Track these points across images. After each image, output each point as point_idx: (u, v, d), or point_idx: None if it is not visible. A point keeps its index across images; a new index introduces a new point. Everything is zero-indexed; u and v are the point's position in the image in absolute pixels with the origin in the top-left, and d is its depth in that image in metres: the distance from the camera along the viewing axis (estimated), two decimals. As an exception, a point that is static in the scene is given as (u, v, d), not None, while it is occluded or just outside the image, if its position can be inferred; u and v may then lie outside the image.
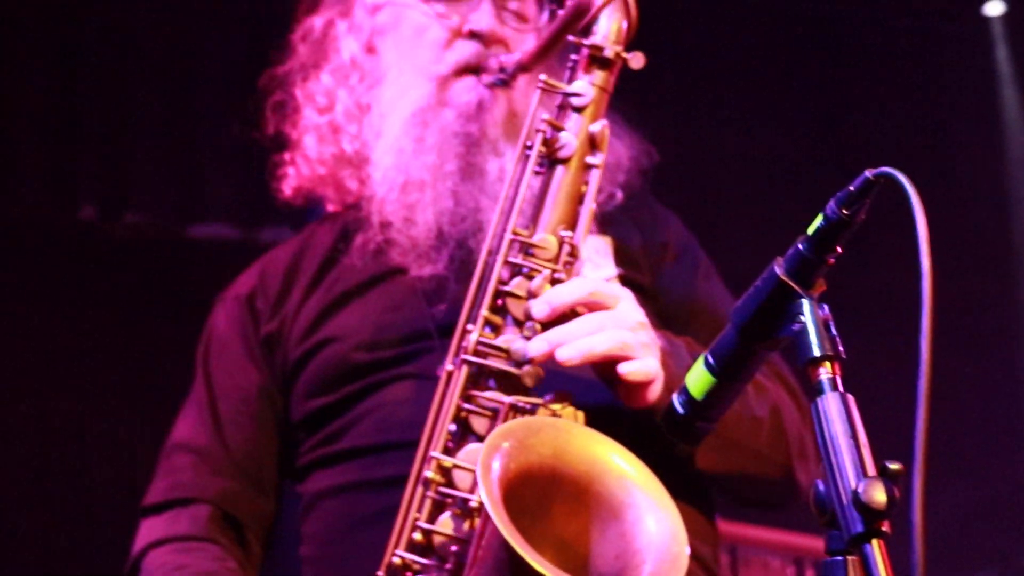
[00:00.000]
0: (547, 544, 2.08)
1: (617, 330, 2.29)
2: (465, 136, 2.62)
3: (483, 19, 2.65)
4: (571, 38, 2.49)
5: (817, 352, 1.73)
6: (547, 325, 2.34)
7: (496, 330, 2.37)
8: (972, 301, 5.27)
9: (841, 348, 1.74)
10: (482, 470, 2.03)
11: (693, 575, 2.32)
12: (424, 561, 2.30)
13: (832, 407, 1.69)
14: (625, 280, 2.55)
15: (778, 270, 1.79)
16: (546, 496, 2.11)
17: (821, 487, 1.67)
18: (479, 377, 2.35)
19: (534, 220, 2.43)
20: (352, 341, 2.60)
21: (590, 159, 2.45)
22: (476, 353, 2.35)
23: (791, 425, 2.56)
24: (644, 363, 2.31)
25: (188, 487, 2.67)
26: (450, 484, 2.30)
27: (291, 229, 3.21)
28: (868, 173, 1.73)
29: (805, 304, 1.76)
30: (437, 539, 2.29)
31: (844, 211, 1.75)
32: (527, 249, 2.40)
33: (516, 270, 2.39)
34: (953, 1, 5.67)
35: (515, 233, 2.40)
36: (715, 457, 2.47)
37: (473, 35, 2.65)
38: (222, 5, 4.77)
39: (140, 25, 4.69)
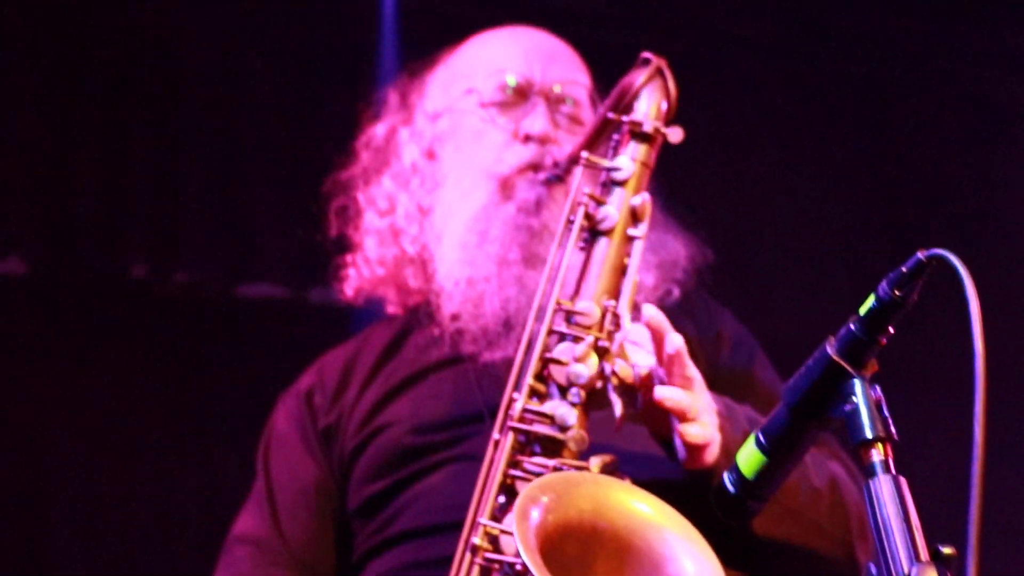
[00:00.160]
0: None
1: (690, 393, 2.33)
2: (527, 228, 2.71)
3: (537, 123, 2.76)
4: (611, 115, 2.56)
5: (869, 434, 1.73)
6: (591, 393, 2.37)
7: (541, 398, 2.41)
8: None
9: (893, 430, 1.73)
10: (518, 516, 2.03)
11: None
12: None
13: (884, 490, 1.69)
14: None
15: (830, 350, 1.79)
16: (587, 551, 2.11)
17: (873, 570, 1.66)
18: (526, 444, 2.39)
19: (578, 290, 2.48)
20: (405, 426, 2.66)
21: (632, 231, 2.51)
22: (522, 420, 2.38)
23: (851, 501, 2.55)
24: (702, 425, 2.33)
25: None
26: (497, 550, 2.31)
27: (340, 291, 3.25)
28: (920, 254, 1.74)
29: (857, 385, 1.77)
30: (486, 604, 2.31)
31: (896, 292, 1.75)
32: (571, 317, 2.44)
33: (561, 338, 2.43)
34: (1006, 69, 5.65)
35: (558, 303, 2.45)
36: (772, 524, 2.46)
37: (528, 138, 2.75)
38: (274, 67, 4.80)
39: (191, 85, 4.72)
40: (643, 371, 2.34)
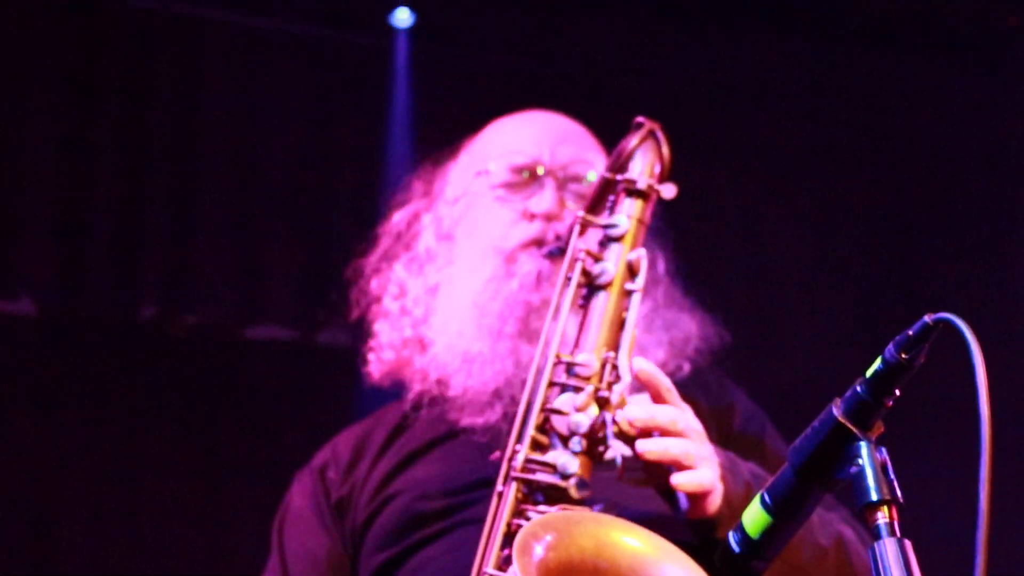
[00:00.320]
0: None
1: (688, 440, 2.36)
2: (525, 304, 2.76)
3: (544, 202, 2.82)
4: (607, 175, 2.63)
5: (875, 496, 1.72)
6: (591, 441, 2.40)
7: (544, 449, 2.44)
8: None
9: (899, 492, 1.73)
10: (519, 551, 2.03)
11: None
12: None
13: (889, 552, 1.68)
14: None
15: (836, 412, 1.79)
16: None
17: (878, 632, 1.66)
18: (529, 494, 2.42)
19: (577, 343, 2.53)
20: (414, 493, 2.71)
21: (629, 285, 2.57)
22: (524, 470, 2.42)
23: (857, 562, 2.56)
24: (699, 474, 2.35)
25: None
26: (502, 599, 2.35)
27: (348, 333, 3.28)
28: (927, 318, 1.74)
29: (863, 447, 1.76)
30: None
31: (903, 355, 1.75)
32: (571, 369, 2.48)
33: (562, 389, 2.47)
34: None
35: (558, 356, 2.49)
36: None
37: (534, 217, 2.82)
38: (287, 113, 4.83)
39: (204, 130, 4.75)
40: (642, 421, 2.37)
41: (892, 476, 1.74)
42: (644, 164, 2.63)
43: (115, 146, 4.63)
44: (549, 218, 2.80)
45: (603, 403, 2.42)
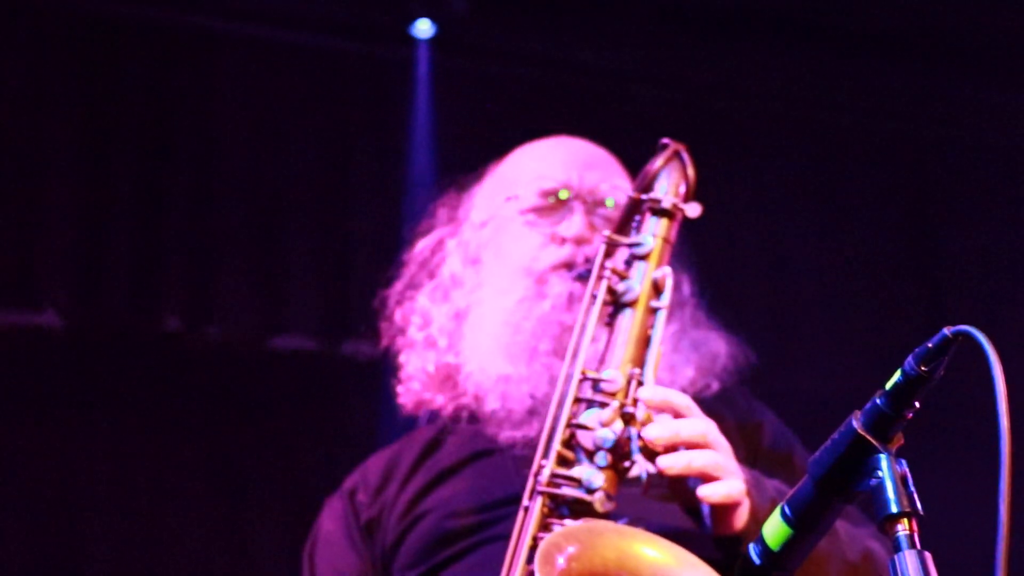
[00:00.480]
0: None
1: (713, 452, 2.37)
2: (559, 324, 2.79)
3: (573, 227, 2.87)
4: (632, 194, 2.68)
5: (894, 508, 1.73)
6: (617, 456, 2.43)
7: (569, 464, 2.48)
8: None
9: (919, 504, 1.74)
10: (541, 561, 2.05)
11: None
12: None
13: (910, 565, 1.69)
14: None
15: (856, 424, 1.79)
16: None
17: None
18: (554, 508, 2.45)
19: (603, 360, 2.57)
20: (442, 512, 2.74)
21: (655, 303, 2.61)
22: (550, 485, 2.45)
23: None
24: (727, 484, 2.37)
25: None
26: (529, 613, 2.37)
27: (370, 344, 3.30)
28: (947, 331, 1.74)
29: (883, 459, 1.76)
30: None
31: (922, 367, 1.75)
32: (597, 385, 2.52)
33: (588, 405, 2.51)
34: None
35: (584, 372, 2.53)
36: None
37: (564, 241, 2.86)
38: (308, 123, 4.85)
39: (225, 141, 4.77)
40: (665, 440, 2.38)
41: (912, 488, 1.75)
42: (669, 184, 2.67)
43: (136, 159, 4.64)
44: (579, 242, 2.84)
45: (628, 419, 2.46)
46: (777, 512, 1.89)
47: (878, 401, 1.79)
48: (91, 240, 4.55)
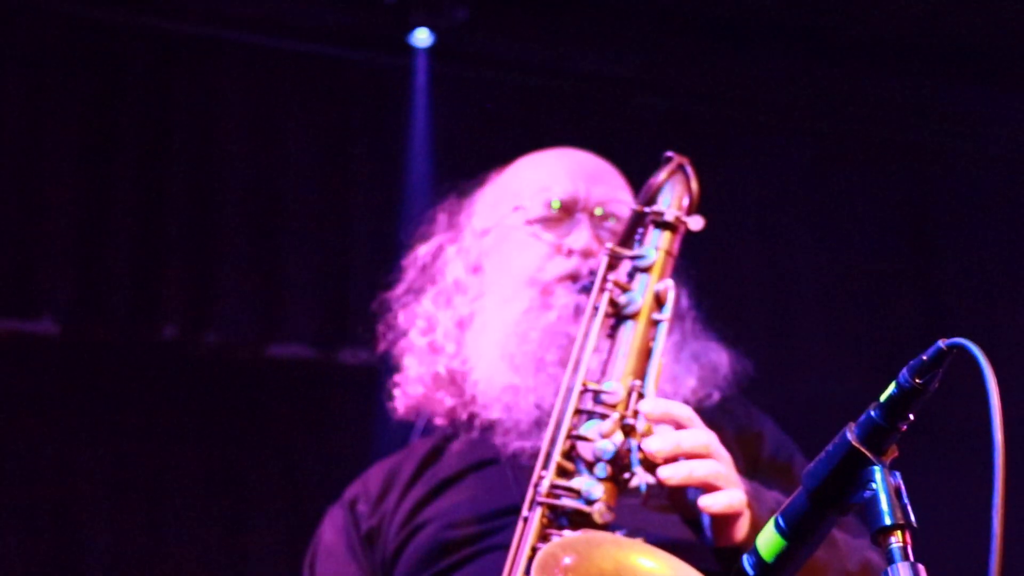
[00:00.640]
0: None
1: (715, 462, 2.38)
2: (565, 335, 2.79)
3: (580, 239, 2.88)
4: (635, 207, 2.68)
5: (888, 521, 1.73)
6: (616, 468, 2.43)
7: (569, 475, 2.48)
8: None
9: (912, 517, 1.74)
10: (539, 571, 2.05)
11: None
12: None
13: (903, 577, 1.69)
14: None
15: (850, 436, 1.80)
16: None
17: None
18: (554, 519, 2.46)
19: (604, 372, 2.57)
20: (442, 522, 2.75)
21: (656, 315, 2.61)
22: (550, 495, 2.46)
23: None
24: (728, 494, 2.37)
25: None
26: (527, 621, 2.38)
27: (367, 351, 3.30)
28: (941, 343, 1.74)
29: (877, 471, 1.77)
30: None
31: (917, 380, 1.76)
32: (597, 396, 2.52)
33: (588, 416, 2.51)
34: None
35: (585, 383, 2.53)
36: None
37: (571, 252, 2.87)
38: (307, 131, 4.85)
39: (224, 149, 4.77)
40: (666, 452, 2.39)
41: (906, 500, 1.75)
42: (673, 197, 2.68)
43: (135, 166, 4.65)
44: (585, 254, 2.85)
45: (629, 430, 2.46)
46: (771, 523, 1.90)
47: (872, 413, 1.79)
48: (89, 247, 4.55)
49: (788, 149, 5.33)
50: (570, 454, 2.49)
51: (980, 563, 1.62)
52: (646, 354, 2.56)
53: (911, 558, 1.71)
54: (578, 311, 2.77)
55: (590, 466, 2.46)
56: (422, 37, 4.90)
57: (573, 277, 2.84)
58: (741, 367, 2.90)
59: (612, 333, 2.61)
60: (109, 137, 4.64)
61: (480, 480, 2.81)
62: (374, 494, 2.88)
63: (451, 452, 2.88)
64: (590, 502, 2.42)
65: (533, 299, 2.85)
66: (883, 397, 1.78)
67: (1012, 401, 1.77)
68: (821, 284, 5.33)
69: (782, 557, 1.88)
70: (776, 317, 5.23)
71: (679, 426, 2.42)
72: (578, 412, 2.52)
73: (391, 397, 3.02)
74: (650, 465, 2.41)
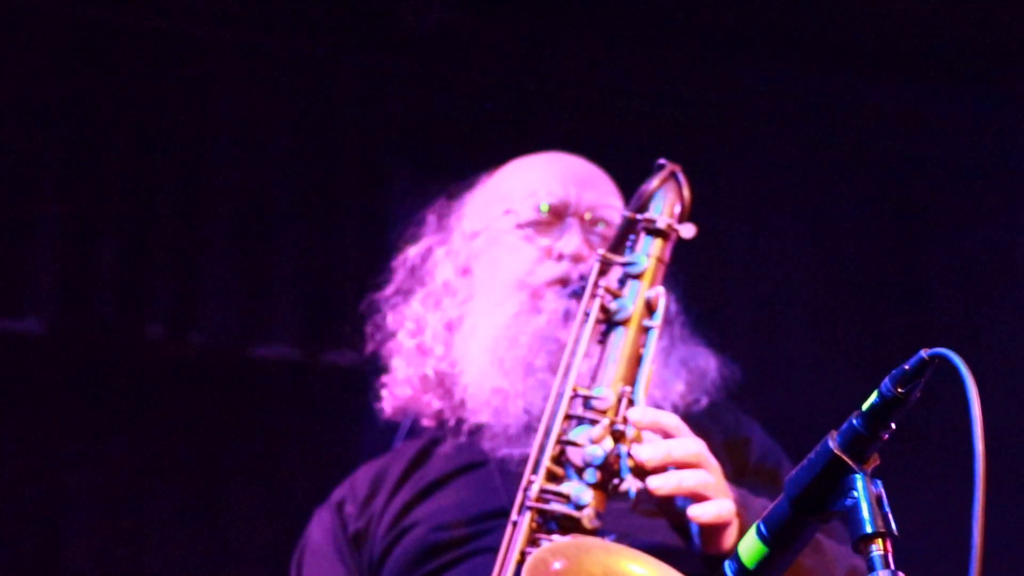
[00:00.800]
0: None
1: (704, 471, 2.40)
2: (555, 340, 2.80)
3: (571, 243, 2.89)
4: (627, 214, 2.70)
5: (869, 529, 1.74)
6: (606, 473, 2.42)
7: (558, 480, 2.51)
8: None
9: (893, 525, 1.75)
10: (529, 574, 2.06)
11: None
12: None
13: (883, 585, 1.70)
14: None
15: (832, 444, 1.81)
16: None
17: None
18: (543, 524, 2.49)
19: (594, 377, 2.60)
20: (431, 523, 2.75)
21: (647, 322, 2.64)
22: (539, 500, 2.48)
23: None
24: (717, 504, 2.38)
25: None
26: (514, 627, 2.38)
27: (353, 352, 3.30)
28: (923, 353, 1.75)
29: (858, 480, 1.78)
30: None
31: (899, 389, 1.77)
32: (587, 402, 2.55)
33: (578, 422, 2.54)
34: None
35: (575, 389, 2.56)
36: None
37: (562, 257, 2.88)
38: (294, 131, 4.85)
39: (211, 148, 4.77)
40: (656, 461, 2.40)
41: (887, 509, 1.76)
42: (665, 204, 2.70)
43: (122, 166, 4.64)
44: (576, 259, 2.86)
45: (618, 436, 2.48)
46: (753, 530, 1.91)
47: (854, 422, 1.80)
48: (75, 247, 4.55)
49: (776, 156, 5.34)
50: (560, 459, 2.51)
51: (960, 572, 1.63)
52: (636, 361, 2.58)
53: (892, 566, 1.72)
54: (568, 316, 2.79)
55: (579, 471, 2.48)
56: (412, 37, 4.89)
57: (563, 281, 2.85)
58: (729, 372, 2.91)
59: (602, 339, 2.62)
60: (96, 136, 4.63)
61: (468, 483, 2.82)
62: (361, 496, 2.89)
63: (439, 455, 2.88)
64: (579, 507, 2.45)
65: (523, 303, 2.86)
66: (865, 406, 1.80)
67: (994, 411, 1.78)
68: (807, 291, 5.34)
69: (763, 564, 1.89)
70: (760, 324, 5.24)
71: (667, 435, 2.43)
72: (568, 417, 2.54)
73: (379, 398, 3.02)
74: (639, 472, 2.42)
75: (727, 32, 5.14)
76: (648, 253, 2.66)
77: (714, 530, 2.40)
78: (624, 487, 2.44)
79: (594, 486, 2.46)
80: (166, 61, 4.74)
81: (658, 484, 2.39)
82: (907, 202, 5.52)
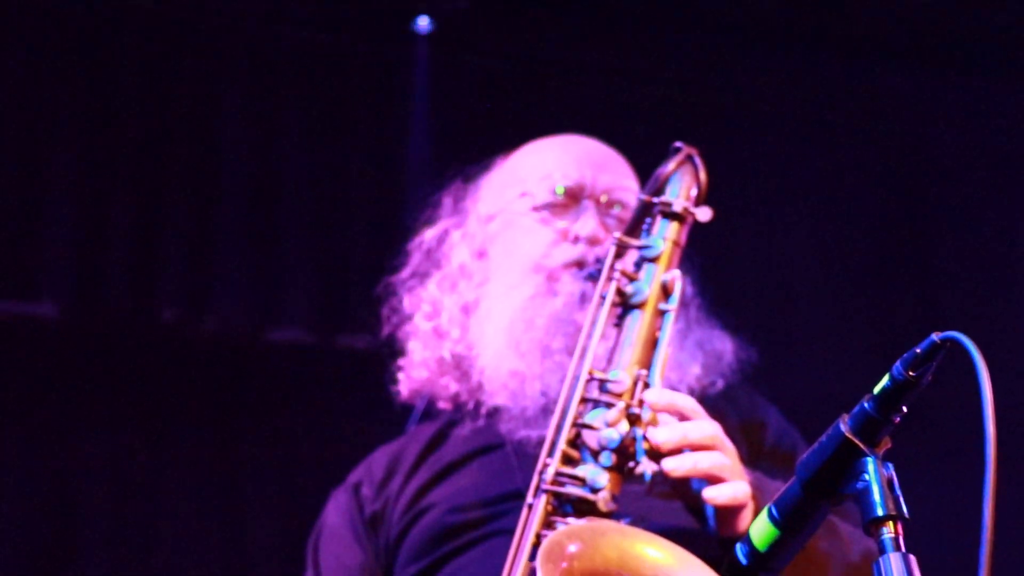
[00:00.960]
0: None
1: (719, 453, 2.40)
2: (571, 323, 2.79)
3: (588, 226, 2.87)
4: (643, 197, 2.68)
5: (880, 512, 1.75)
6: (621, 456, 2.43)
7: (574, 463, 2.50)
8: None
9: (904, 508, 1.75)
10: (544, 559, 2.07)
11: None
12: None
13: (894, 567, 1.71)
14: None
15: (843, 428, 1.81)
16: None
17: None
18: (558, 507, 2.48)
19: (610, 361, 2.58)
20: (448, 505, 2.76)
21: (663, 305, 2.63)
22: (555, 483, 2.48)
23: None
24: (733, 487, 2.39)
25: None
26: (531, 608, 2.39)
27: (368, 336, 3.31)
28: (935, 336, 1.76)
29: (869, 463, 1.78)
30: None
31: (911, 373, 1.77)
32: (603, 385, 2.54)
33: (594, 405, 2.54)
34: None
35: (591, 372, 2.55)
36: None
37: (578, 239, 2.87)
38: (306, 118, 4.85)
39: (223, 133, 4.78)
40: (673, 443, 2.40)
41: (898, 492, 1.77)
42: (681, 187, 2.69)
43: (135, 150, 4.65)
44: (592, 242, 2.85)
45: (634, 419, 2.48)
46: (765, 512, 1.91)
47: (866, 405, 1.80)
48: (89, 231, 4.55)
49: (791, 141, 5.33)
50: (575, 442, 2.50)
51: (971, 554, 1.63)
52: (652, 344, 2.58)
53: (903, 548, 1.72)
54: (584, 298, 2.78)
55: (595, 454, 2.48)
56: (423, 24, 4.90)
57: (579, 264, 2.84)
58: (745, 355, 2.91)
59: (618, 322, 2.62)
60: (109, 122, 4.64)
61: (485, 465, 2.82)
62: (378, 478, 2.89)
63: (456, 437, 2.89)
64: (595, 490, 2.44)
65: (539, 285, 2.86)
66: (877, 389, 1.80)
67: (1005, 394, 1.79)
68: (821, 275, 5.33)
69: (775, 546, 1.90)
70: (772, 307, 5.24)
71: (684, 418, 2.43)
72: (584, 400, 2.54)
73: (395, 381, 3.02)
74: (655, 455, 2.42)
75: (743, 18, 5.14)
76: (664, 236, 2.66)
77: (729, 512, 2.41)
78: (640, 470, 2.44)
79: (610, 469, 2.46)
80: (179, 46, 4.75)
81: (673, 466, 2.39)
82: (920, 187, 5.52)
